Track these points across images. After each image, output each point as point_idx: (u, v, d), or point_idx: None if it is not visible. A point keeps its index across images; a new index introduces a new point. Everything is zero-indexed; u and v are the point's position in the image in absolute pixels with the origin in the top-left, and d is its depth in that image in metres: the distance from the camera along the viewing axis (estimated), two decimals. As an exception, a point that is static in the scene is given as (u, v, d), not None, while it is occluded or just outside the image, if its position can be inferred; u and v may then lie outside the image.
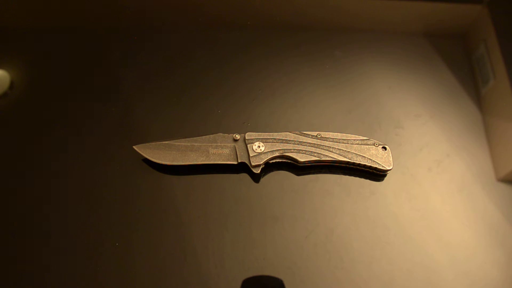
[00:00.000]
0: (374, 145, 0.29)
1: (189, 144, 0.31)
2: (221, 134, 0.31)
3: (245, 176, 0.31)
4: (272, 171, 0.31)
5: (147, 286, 0.27)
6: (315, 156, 0.29)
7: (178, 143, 0.31)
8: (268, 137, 0.30)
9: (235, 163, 0.30)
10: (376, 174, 0.30)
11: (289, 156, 0.30)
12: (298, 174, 0.31)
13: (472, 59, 0.37)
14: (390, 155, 0.29)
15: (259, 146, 0.30)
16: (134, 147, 0.31)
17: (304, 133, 0.30)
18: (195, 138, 0.31)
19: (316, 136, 0.30)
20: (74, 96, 0.36)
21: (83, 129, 0.34)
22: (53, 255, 0.28)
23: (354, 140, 0.30)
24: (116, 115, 0.34)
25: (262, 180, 0.31)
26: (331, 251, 0.28)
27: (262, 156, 0.30)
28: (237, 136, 0.30)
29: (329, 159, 0.29)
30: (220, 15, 0.41)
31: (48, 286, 0.27)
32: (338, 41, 0.38)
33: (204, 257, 0.28)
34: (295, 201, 0.30)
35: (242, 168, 0.31)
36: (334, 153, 0.29)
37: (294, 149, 0.30)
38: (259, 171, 0.30)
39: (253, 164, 0.30)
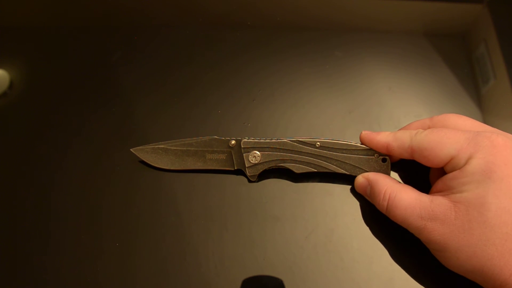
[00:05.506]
0: (374, 156, 0.28)
1: (185, 149, 0.30)
2: (216, 137, 0.30)
3: (244, 176, 0.31)
4: (272, 171, 0.31)
5: (147, 286, 0.27)
6: (312, 168, 0.29)
7: (174, 148, 0.31)
8: (265, 146, 0.29)
9: (232, 169, 0.30)
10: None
11: (286, 167, 0.29)
12: (298, 174, 0.31)
13: (472, 59, 0.37)
14: (389, 167, 0.28)
15: (255, 157, 0.29)
16: (131, 150, 0.31)
17: (302, 141, 0.29)
18: (190, 141, 0.31)
19: (315, 145, 0.29)
20: (74, 96, 0.36)
21: (83, 129, 0.34)
22: (53, 255, 0.28)
23: (355, 150, 0.28)
24: (117, 115, 0.34)
25: (262, 180, 0.31)
26: (331, 251, 0.28)
27: (259, 167, 0.30)
28: (232, 142, 0.30)
29: (326, 171, 0.29)
30: (220, 15, 0.41)
31: (49, 286, 0.27)
32: (338, 41, 0.38)
33: (204, 257, 0.28)
34: (295, 201, 0.30)
35: (241, 170, 0.31)
36: (332, 164, 0.29)
37: (290, 160, 0.29)
38: (255, 179, 0.30)
39: (249, 174, 0.30)
